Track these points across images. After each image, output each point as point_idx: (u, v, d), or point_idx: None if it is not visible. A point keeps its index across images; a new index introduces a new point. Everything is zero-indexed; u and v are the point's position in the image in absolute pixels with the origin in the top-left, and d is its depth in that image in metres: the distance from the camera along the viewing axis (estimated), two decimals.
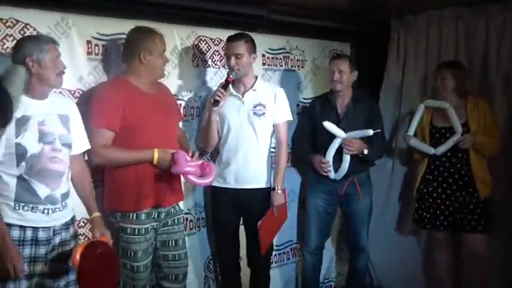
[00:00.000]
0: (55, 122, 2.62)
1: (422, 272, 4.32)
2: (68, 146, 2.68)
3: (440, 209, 3.80)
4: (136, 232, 2.98)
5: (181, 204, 3.34)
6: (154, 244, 3.13)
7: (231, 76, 3.37)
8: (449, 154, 3.73)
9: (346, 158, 3.67)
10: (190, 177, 2.98)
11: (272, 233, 3.62)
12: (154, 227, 3.09)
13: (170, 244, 3.17)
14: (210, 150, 3.66)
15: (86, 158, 2.96)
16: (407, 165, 4.41)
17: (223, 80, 3.47)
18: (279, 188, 3.57)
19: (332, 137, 3.67)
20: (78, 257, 2.51)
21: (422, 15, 4.42)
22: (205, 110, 3.57)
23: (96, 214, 2.84)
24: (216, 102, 3.30)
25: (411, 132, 3.90)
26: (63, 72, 2.64)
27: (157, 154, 2.94)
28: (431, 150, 3.76)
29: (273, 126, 3.59)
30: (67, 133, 2.68)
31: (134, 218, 2.98)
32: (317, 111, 3.87)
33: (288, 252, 4.29)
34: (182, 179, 3.15)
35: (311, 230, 3.95)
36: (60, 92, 2.94)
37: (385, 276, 4.52)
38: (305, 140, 3.92)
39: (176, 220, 3.20)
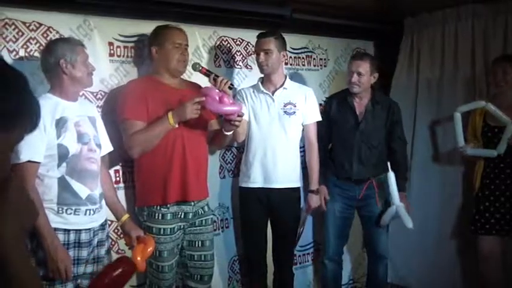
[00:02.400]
0: (87, 124, 2.67)
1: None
2: (99, 146, 2.73)
3: (509, 212, 3.63)
4: (162, 232, 2.99)
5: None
6: (181, 244, 3.13)
7: (201, 68, 3.22)
8: (502, 155, 3.59)
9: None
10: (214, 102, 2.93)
11: None
12: (181, 227, 3.08)
13: (197, 244, 3.16)
14: (240, 140, 3.56)
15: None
16: (452, 168, 4.27)
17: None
18: (315, 189, 3.57)
19: (348, 135, 3.63)
20: (139, 259, 2.67)
21: (437, 14, 4.34)
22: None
23: (127, 215, 2.89)
24: (231, 86, 3.17)
25: (462, 142, 3.72)
26: (92, 74, 2.68)
27: (170, 113, 2.90)
28: (494, 153, 3.59)
29: (302, 126, 3.57)
30: (97, 134, 2.72)
31: (160, 217, 2.99)
32: (333, 111, 3.74)
33: (312, 253, 4.25)
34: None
35: (330, 236, 3.83)
36: (83, 94, 2.97)
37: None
38: (322, 141, 3.72)
39: (204, 221, 3.18)
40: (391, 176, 3.57)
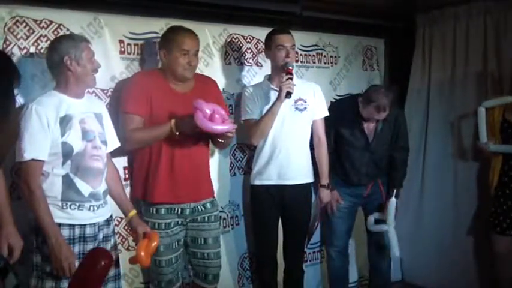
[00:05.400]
0: (93, 121, 2.65)
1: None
2: (105, 143, 2.72)
3: None
4: (157, 226, 2.98)
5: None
6: (185, 240, 3.13)
7: (290, 68, 3.28)
8: None
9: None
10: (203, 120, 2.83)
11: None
12: (179, 222, 3.06)
13: (199, 242, 3.14)
14: (258, 143, 3.51)
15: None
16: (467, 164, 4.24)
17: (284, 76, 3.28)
18: (326, 184, 3.58)
19: (357, 154, 3.68)
20: (143, 254, 2.68)
21: (449, 10, 4.31)
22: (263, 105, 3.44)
23: (134, 211, 2.87)
24: (289, 94, 3.22)
25: (485, 138, 3.67)
26: (97, 71, 2.65)
27: (174, 120, 2.89)
28: None
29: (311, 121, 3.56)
30: (103, 131, 2.71)
31: (154, 212, 3.00)
32: (343, 126, 3.69)
33: (323, 250, 4.23)
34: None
35: (336, 230, 3.84)
36: (94, 92, 2.98)
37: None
38: (329, 147, 3.65)
39: (207, 218, 3.14)
40: (392, 201, 3.68)
